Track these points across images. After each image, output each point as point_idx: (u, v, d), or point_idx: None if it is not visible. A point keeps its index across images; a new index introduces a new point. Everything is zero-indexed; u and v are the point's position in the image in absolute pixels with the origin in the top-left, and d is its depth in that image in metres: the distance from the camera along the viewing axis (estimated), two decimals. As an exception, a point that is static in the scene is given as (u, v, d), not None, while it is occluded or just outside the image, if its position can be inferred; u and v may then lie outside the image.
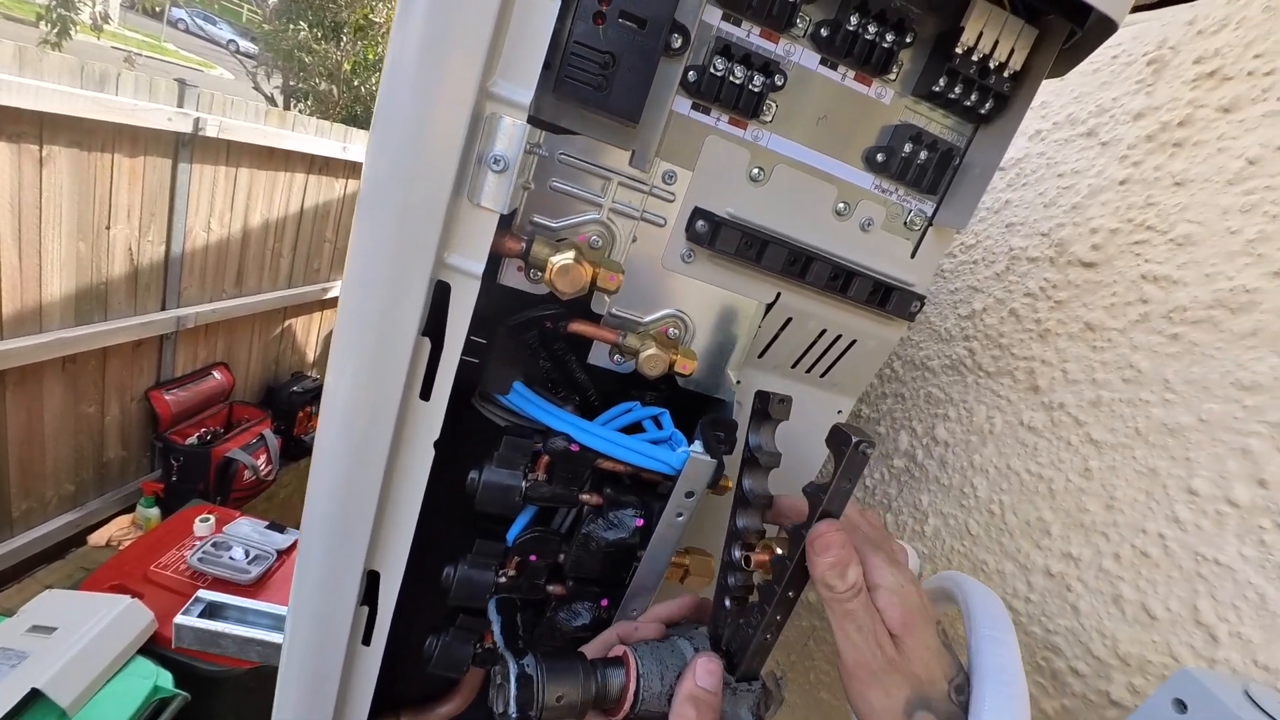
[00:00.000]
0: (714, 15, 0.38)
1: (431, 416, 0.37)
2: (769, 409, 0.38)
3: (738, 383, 0.49)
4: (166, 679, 1.62)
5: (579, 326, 0.42)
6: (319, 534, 0.40)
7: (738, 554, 0.38)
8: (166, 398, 2.42)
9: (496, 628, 0.45)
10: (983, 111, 0.40)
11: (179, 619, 1.47)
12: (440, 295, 0.35)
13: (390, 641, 0.43)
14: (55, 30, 4.34)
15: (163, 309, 2.32)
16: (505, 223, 0.39)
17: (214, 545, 1.78)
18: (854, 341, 0.47)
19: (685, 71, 0.38)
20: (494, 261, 0.40)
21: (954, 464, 0.63)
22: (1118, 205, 0.54)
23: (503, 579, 0.43)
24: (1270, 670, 0.36)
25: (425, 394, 0.37)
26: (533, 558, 0.43)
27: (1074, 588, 0.48)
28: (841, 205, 0.43)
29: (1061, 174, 0.61)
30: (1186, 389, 0.45)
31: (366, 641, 0.43)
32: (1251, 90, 0.46)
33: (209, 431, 2.60)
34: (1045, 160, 0.64)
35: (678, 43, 0.36)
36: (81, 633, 1.55)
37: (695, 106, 0.39)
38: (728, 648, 0.37)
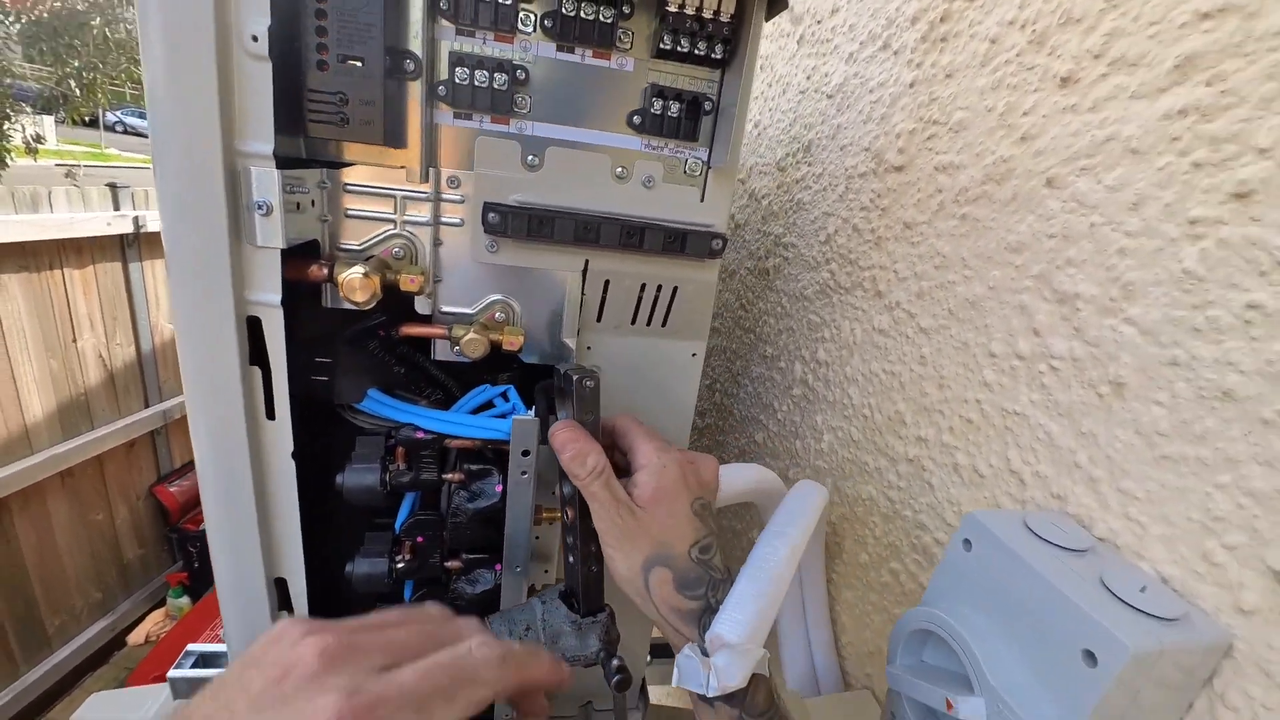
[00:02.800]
0: (449, 33, 0.42)
1: (281, 433, 0.42)
2: (572, 389, 0.42)
3: (588, 349, 0.53)
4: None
5: (408, 329, 0.46)
6: (222, 554, 0.45)
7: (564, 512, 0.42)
8: (171, 490, 2.49)
9: None
10: (717, 56, 0.44)
11: (170, 673, 1.54)
12: (254, 328, 0.40)
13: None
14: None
15: (146, 406, 2.38)
16: (315, 252, 0.43)
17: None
18: (675, 289, 0.51)
19: (435, 87, 0.42)
20: (314, 288, 0.44)
21: (834, 380, 0.67)
22: (911, 107, 0.57)
23: (400, 564, 0.47)
24: (1062, 498, 0.40)
25: (270, 414, 0.41)
26: (419, 539, 0.47)
27: (927, 466, 0.52)
28: (620, 170, 0.46)
29: (872, 89, 0.64)
30: (978, 263, 0.48)
31: (290, 649, 0.48)
32: (980, -22, 0.49)
33: (221, 513, 2.66)
34: (859, 80, 0.67)
35: (411, 67, 0.40)
36: (130, 725, 1.61)
37: (457, 115, 0.43)
38: (571, 591, 0.42)
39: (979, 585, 0.36)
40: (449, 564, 0.48)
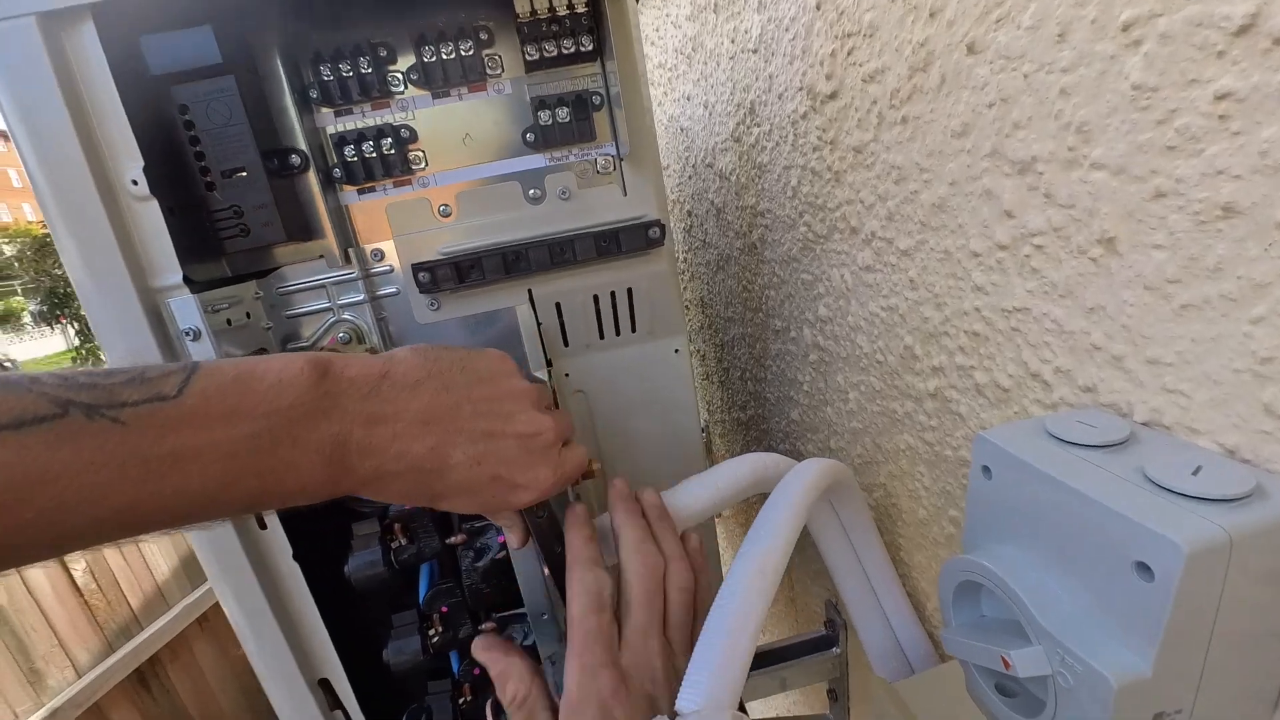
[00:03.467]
0: (328, 118, 0.42)
1: (276, 540, 0.42)
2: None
3: (566, 375, 0.51)
4: None
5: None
6: (262, 669, 0.45)
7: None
8: (297, 610, 2.64)
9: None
10: (587, 49, 0.42)
11: None
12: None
13: None
14: (91, 360, 4.94)
15: (256, 540, 2.56)
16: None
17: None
18: (630, 289, 0.49)
19: (331, 172, 0.42)
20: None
21: (841, 334, 0.62)
22: (824, 28, 0.53)
23: (434, 639, 0.46)
24: (1092, 389, 0.34)
25: (261, 525, 0.42)
26: (444, 610, 0.46)
27: (950, 396, 0.47)
28: (532, 191, 0.45)
29: (786, 27, 0.61)
30: (931, 162, 0.44)
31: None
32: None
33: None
34: (774, 23, 0.64)
35: (297, 161, 0.41)
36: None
37: (361, 191, 0.44)
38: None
39: (1008, 515, 0.31)
40: (482, 627, 0.47)
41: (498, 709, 0.40)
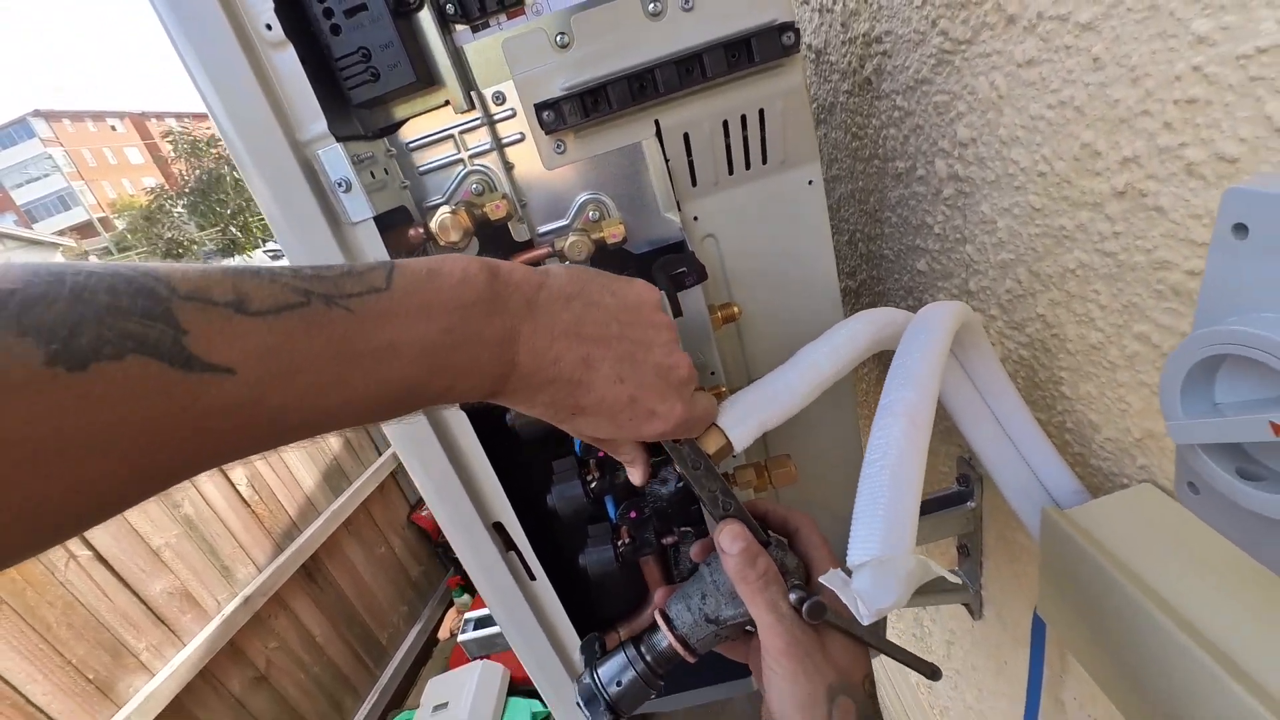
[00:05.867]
0: (435, -54, 0.40)
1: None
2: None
3: (695, 219, 0.49)
4: (538, 705, 1.99)
5: (518, 257, 0.46)
6: (445, 519, 0.50)
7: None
8: (424, 514, 2.93)
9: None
10: None
11: (460, 638, 1.96)
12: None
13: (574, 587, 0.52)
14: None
15: (379, 454, 2.82)
16: (407, 219, 0.45)
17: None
18: (761, 111, 0.45)
19: (444, 9, 0.40)
20: (426, 253, 0.46)
21: (988, 156, 0.56)
22: None
23: (622, 547, 0.49)
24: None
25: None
26: (633, 514, 0.48)
27: (1147, 189, 0.41)
28: (652, 6, 0.41)
29: None
30: (1140, -106, 0.36)
31: (532, 577, 0.52)
32: None
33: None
34: None
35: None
36: (464, 698, 1.96)
37: (475, 29, 0.42)
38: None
39: (1269, 280, 0.27)
40: (666, 540, 0.50)
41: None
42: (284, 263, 0.29)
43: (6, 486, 0.17)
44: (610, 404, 0.33)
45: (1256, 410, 0.27)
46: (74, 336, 0.18)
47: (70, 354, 0.18)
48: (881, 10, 0.67)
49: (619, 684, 0.40)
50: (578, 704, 0.41)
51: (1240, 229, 0.28)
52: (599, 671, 0.40)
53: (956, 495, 0.79)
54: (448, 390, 0.29)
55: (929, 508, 0.80)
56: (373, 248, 0.40)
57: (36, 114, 35.19)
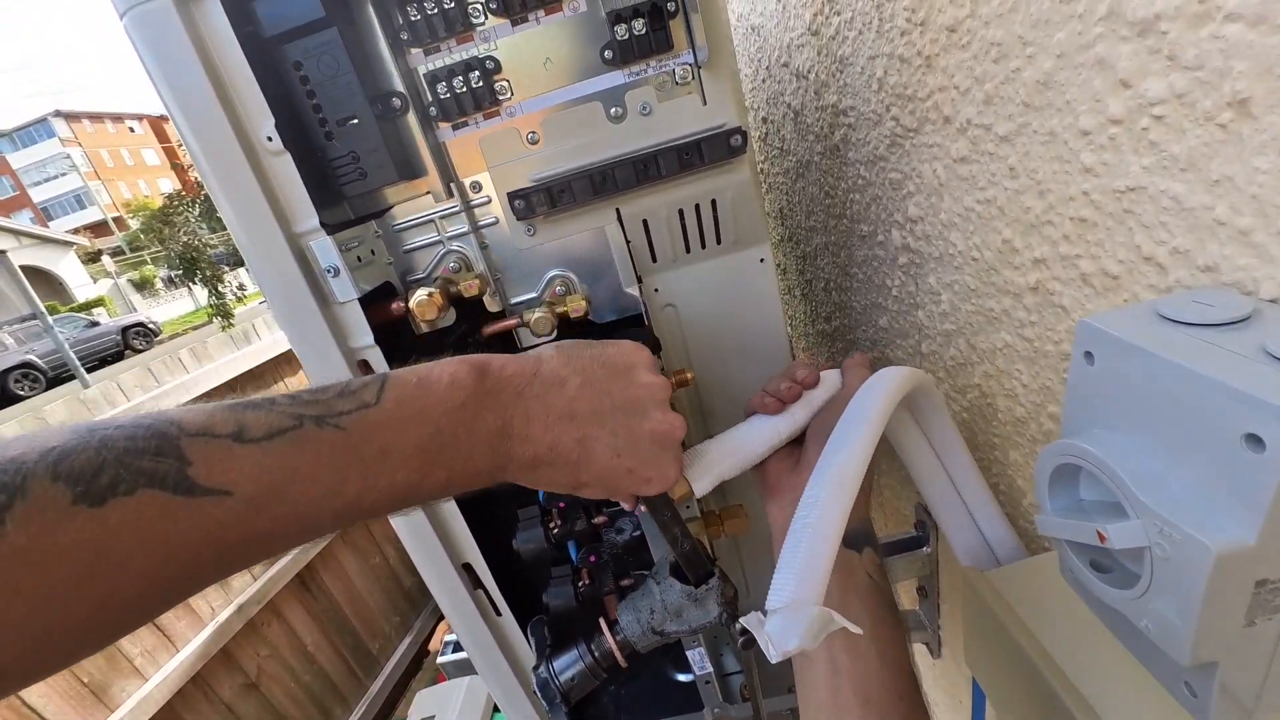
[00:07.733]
0: (419, 58, 0.45)
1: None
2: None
3: (655, 291, 0.54)
4: None
5: (489, 329, 0.51)
6: (419, 559, 0.54)
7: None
8: (419, 526, 2.97)
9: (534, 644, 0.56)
10: (659, -47, 0.42)
11: (440, 660, 1.96)
12: (366, 369, 0.47)
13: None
14: (221, 317, 5.59)
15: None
16: (392, 293, 0.50)
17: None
18: (714, 201, 0.50)
19: (428, 111, 0.45)
20: (407, 322, 0.51)
21: (933, 233, 0.60)
22: (914, -103, 0.49)
23: (582, 587, 0.53)
24: (1213, 268, 0.33)
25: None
26: (592, 559, 0.53)
27: (1053, 288, 0.45)
28: (614, 110, 0.46)
29: (871, -101, 0.56)
30: (1036, 34, 0.41)
31: (498, 613, 0.56)
32: None
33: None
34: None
35: (398, 103, 0.44)
36: (450, 713, 1.99)
37: (455, 127, 0.47)
38: (680, 569, 0.44)
39: (1111, 400, 0.31)
40: (624, 582, 0.54)
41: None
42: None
43: (46, 604, 0.21)
44: (609, 476, 0.36)
45: (1094, 515, 0.31)
46: (95, 478, 0.22)
47: (91, 493, 0.22)
48: (847, 87, 0.72)
49: (571, 676, 0.45)
50: (534, 692, 0.47)
51: (1089, 356, 0.32)
52: (554, 663, 0.45)
53: (914, 540, 0.83)
54: (446, 484, 0.32)
55: (890, 550, 0.84)
56: (356, 323, 0.45)
57: (57, 114, 35.80)
